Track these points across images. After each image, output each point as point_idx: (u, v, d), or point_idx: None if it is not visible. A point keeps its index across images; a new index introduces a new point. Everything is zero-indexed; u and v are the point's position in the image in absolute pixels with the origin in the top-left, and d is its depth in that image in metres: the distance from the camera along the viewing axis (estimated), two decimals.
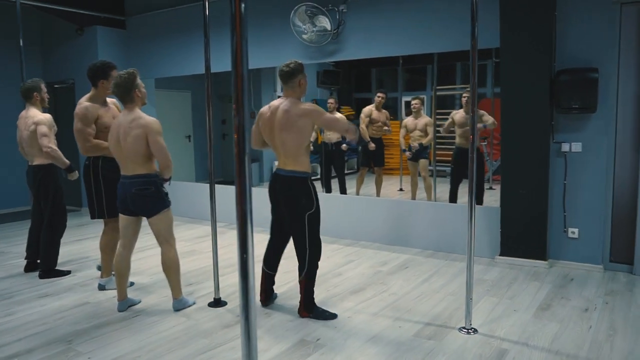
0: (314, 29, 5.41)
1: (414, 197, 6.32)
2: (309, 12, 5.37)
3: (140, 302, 3.76)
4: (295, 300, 3.62)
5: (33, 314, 3.56)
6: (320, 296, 3.80)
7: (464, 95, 5.61)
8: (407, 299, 3.77)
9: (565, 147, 4.38)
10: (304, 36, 5.48)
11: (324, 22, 5.38)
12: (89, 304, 3.75)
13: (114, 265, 3.59)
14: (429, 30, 4.94)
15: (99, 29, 6.88)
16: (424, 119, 6.27)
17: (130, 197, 3.41)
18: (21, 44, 4.90)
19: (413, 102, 6.30)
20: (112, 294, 3.91)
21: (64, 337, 3.17)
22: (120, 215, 3.53)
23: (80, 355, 2.94)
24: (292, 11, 5.39)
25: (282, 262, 3.65)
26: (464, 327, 3.21)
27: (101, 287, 4.05)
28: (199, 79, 6.70)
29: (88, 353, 2.96)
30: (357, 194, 6.59)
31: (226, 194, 6.56)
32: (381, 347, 2.98)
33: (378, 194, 6.54)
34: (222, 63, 6.42)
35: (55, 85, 7.54)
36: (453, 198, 5.73)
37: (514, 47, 4.41)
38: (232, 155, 2.89)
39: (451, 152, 5.99)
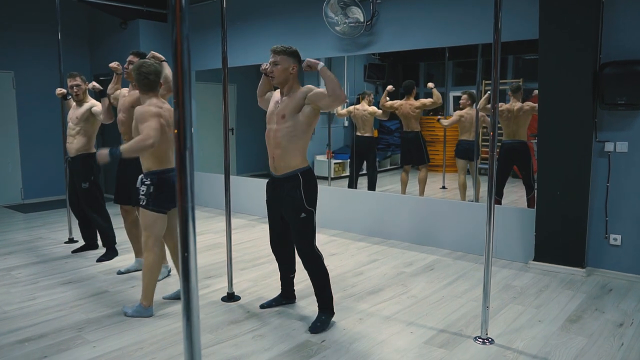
0: (347, 20, 5.27)
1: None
2: (341, 3, 5.22)
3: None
4: (309, 299, 3.54)
5: (53, 300, 3.66)
6: (335, 296, 3.69)
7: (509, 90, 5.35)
8: (425, 303, 3.59)
9: (609, 146, 4.04)
10: (337, 28, 5.35)
11: (357, 14, 5.22)
12: (107, 292, 3.82)
13: (156, 268, 3.38)
14: (468, 21, 4.67)
15: (141, 23, 7.02)
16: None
17: None
18: (59, 37, 5.05)
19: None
20: (132, 283, 3.98)
21: (76, 325, 3.23)
22: (163, 215, 3.37)
23: (87, 343, 2.98)
24: (325, 2, 5.27)
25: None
26: (479, 337, 3.02)
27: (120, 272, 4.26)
28: (244, 72, 6.71)
29: (94, 342, 3.00)
30: (403, 193, 6.39)
31: (261, 187, 6.55)
32: (386, 354, 2.85)
33: (421, 193, 6.32)
34: (253, 57, 6.42)
35: (101, 78, 7.75)
36: (498, 194, 5.45)
37: (553, 37, 4.09)
38: None
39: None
